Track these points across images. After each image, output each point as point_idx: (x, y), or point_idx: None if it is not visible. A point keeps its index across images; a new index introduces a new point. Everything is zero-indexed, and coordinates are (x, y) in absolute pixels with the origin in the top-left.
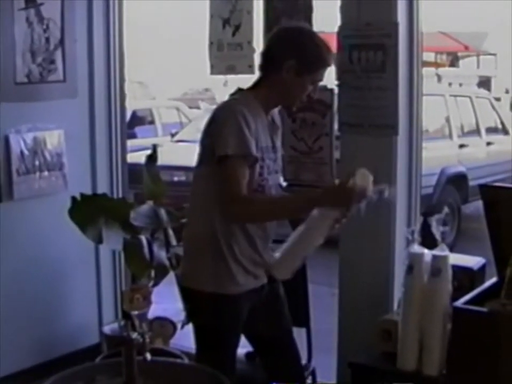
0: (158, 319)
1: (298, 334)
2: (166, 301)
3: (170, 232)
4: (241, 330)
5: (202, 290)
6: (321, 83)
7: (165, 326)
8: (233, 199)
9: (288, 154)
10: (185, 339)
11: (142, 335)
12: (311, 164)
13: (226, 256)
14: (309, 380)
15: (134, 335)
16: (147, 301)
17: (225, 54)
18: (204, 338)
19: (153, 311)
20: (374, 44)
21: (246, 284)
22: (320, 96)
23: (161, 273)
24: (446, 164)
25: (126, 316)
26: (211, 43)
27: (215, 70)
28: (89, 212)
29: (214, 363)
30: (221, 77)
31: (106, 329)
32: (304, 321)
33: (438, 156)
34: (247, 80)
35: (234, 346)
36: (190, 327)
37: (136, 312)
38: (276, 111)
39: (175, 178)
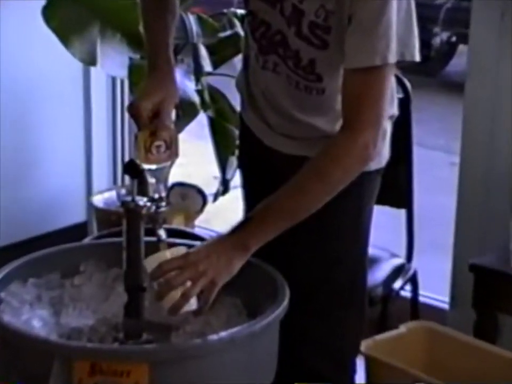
0: (180, 185)
1: (396, 218)
2: (192, 162)
3: (203, 51)
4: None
5: None
6: None
7: (189, 196)
8: (376, 123)
9: None
10: (219, 218)
11: (156, 201)
12: None
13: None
14: (408, 287)
15: (143, 201)
16: (173, 152)
17: None
18: None
19: (172, 176)
20: None
21: (256, 127)
22: None
23: (187, 114)
24: None
25: (134, 172)
26: None
27: None
28: (76, 14)
29: None
30: None
31: (98, 200)
32: (404, 200)
33: None
34: None
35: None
36: (227, 201)
37: (153, 167)
38: None
39: None
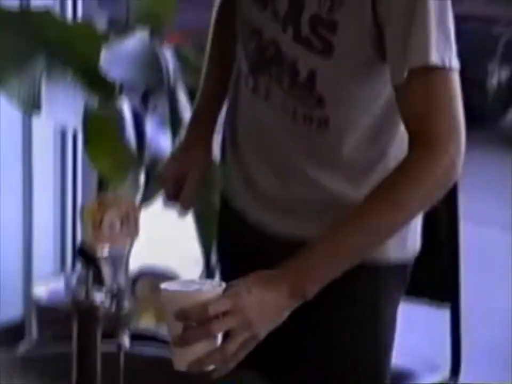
0: (148, 271)
1: (438, 319)
2: (166, 237)
3: (182, 95)
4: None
5: None
6: None
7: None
8: (456, 130)
9: None
10: None
11: (116, 298)
12: None
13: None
14: None
15: (100, 298)
16: (131, 228)
17: None
18: None
19: (139, 257)
20: None
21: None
22: None
23: None
24: None
25: (87, 259)
26: None
27: None
28: (13, 44)
29: None
30: None
31: (40, 292)
32: (448, 293)
33: None
34: None
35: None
36: None
37: (106, 251)
38: None
39: None
